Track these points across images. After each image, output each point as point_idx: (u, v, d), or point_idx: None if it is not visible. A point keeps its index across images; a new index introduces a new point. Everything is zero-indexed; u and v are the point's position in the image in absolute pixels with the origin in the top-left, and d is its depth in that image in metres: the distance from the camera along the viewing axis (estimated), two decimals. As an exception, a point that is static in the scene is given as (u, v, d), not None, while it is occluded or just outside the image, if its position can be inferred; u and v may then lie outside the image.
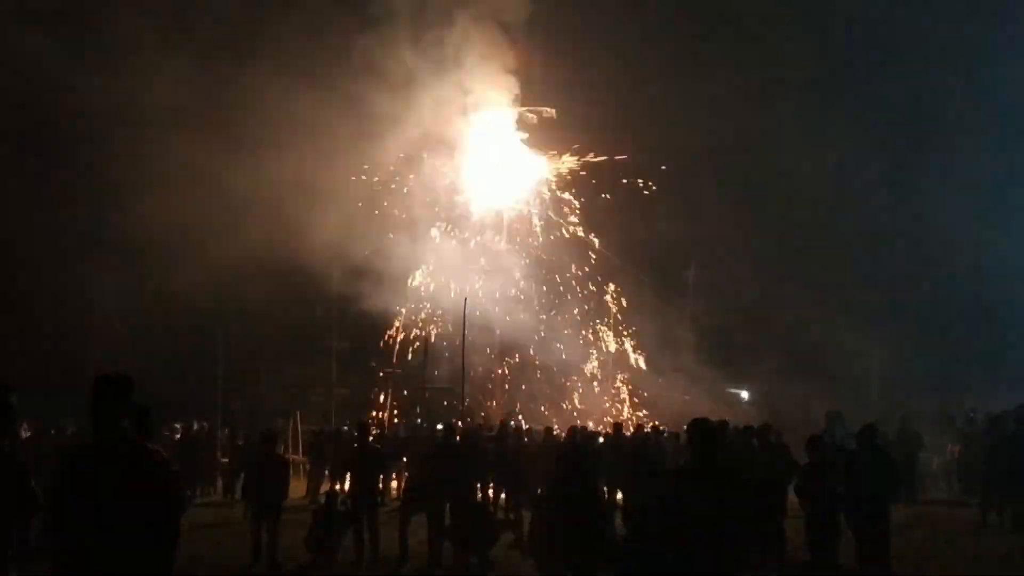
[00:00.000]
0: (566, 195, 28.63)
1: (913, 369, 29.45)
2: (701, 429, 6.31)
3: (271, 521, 11.52)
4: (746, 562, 9.46)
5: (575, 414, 25.45)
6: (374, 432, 19.94)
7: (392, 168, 26.97)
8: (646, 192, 27.50)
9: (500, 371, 27.32)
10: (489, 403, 26.76)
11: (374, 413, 26.43)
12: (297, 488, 18.18)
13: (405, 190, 27.31)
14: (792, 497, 10.30)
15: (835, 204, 31.23)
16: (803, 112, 29.46)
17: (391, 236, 26.35)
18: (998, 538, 12.94)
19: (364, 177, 26.57)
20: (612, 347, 28.08)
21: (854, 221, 31.41)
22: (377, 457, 12.57)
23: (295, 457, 22.91)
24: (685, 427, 6.62)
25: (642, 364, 28.22)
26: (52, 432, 15.65)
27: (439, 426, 18.22)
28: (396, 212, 27.06)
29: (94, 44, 24.04)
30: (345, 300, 26.50)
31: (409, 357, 27.46)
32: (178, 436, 19.81)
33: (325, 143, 24.88)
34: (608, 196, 27.71)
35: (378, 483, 12.47)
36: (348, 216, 25.14)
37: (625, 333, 28.48)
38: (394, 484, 18.84)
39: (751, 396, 29.98)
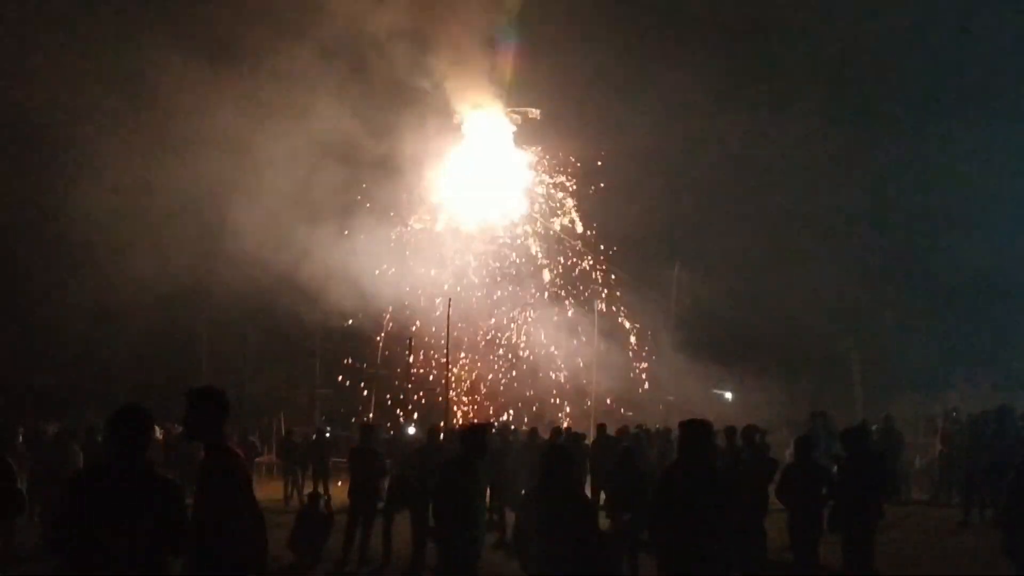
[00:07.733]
0: (558, 193, 28.64)
1: (895, 369, 29.59)
2: (696, 430, 6.24)
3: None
4: (729, 560, 9.48)
5: (559, 414, 25.40)
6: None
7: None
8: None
9: (483, 371, 27.23)
10: (472, 403, 26.68)
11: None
12: (274, 489, 18.13)
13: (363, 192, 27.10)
14: (772, 497, 10.29)
15: (816, 201, 31.37)
16: (791, 115, 29.62)
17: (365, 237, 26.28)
18: (980, 537, 12.98)
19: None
20: (598, 347, 28.04)
21: (839, 220, 31.53)
22: (379, 460, 12.40)
23: (270, 458, 22.81)
24: (678, 425, 6.50)
25: (629, 362, 28.20)
26: (21, 432, 15.25)
27: (410, 430, 18.11)
28: (369, 207, 26.98)
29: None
30: (325, 304, 26.32)
31: (381, 351, 27.32)
32: (160, 438, 19.61)
33: (294, 146, 24.83)
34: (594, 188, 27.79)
35: (376, 486, 12.27)
36: (322, 219, 25.14)
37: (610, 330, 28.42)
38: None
39: (734, 397, 30.00)
